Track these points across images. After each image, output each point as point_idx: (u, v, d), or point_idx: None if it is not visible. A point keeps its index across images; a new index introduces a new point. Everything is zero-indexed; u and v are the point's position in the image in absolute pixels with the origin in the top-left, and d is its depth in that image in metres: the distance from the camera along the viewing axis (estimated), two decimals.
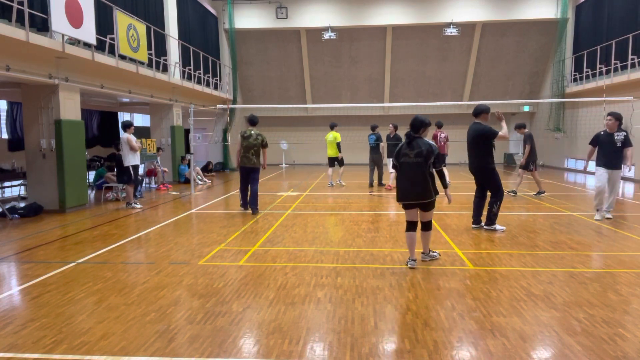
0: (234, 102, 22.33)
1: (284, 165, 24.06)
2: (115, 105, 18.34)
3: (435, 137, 13.12)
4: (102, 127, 20.89)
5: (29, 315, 4.26)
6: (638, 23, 15.45)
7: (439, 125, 13.46)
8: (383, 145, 13.57)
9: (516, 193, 11.76)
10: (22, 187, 12.16)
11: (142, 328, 3.93)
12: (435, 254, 5.97)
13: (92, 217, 9.54)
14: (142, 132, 16.44)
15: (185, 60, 16.56)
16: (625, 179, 15.14)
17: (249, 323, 4.03)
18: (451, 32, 20.32)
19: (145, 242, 7.20)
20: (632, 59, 15.25)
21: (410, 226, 5.68)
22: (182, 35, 16.83)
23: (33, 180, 10.29)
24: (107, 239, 7.33)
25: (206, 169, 18.07)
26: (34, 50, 8.71)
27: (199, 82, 17.41)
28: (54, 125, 9.94)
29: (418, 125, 5.63)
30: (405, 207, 5.68)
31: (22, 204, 10.05)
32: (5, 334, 3.85)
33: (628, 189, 13.59)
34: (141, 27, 12.23)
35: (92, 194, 13.25)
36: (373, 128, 13.92)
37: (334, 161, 14.12)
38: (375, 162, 13.83)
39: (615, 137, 8.06)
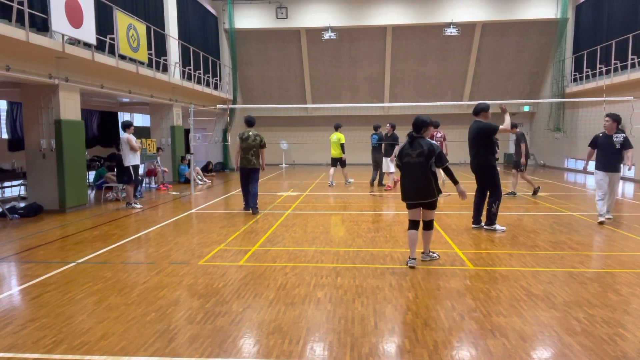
0: (234, 102, 22.34)
1: (284, 165, 24.06)
2: (115, 105, 18.34)
3: (431, 137, 13.11)
4: (102, 127, 20.89)
5: (29, 315, 4.26)
6: (638, 23, 15.45)
7: (436, 125, 13.45)
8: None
9: (515, 194, 11.76)
10: (22, 187, 12.16)
11: (142, 328, 3.93)
12: (435, 254, 5.98)
13: (92, 217, 9.54)
14: (142, 132, 16.42)
15: (185, 60, 16.56)
16: (625, 179, 15.15)
17: (249, 323, 4.03)
18: (451, 32, 20.33)
19: (145, 242, 7.20)
20: (632, 59, 15.25)
21: (413, 225, 5.73)
22: (182, 35, 16.84)
23: (33, 180, 10.29)
24: (107, 239, 7.33)
25: (206, 169, 18.07)
26: (34, 50, 8.71)
27: (199, 82, 17.41)
28: (54, 125, 9.94)
29: (420, 125, 5.67)
30: (409, 206, 5.76)
31: (22, 204, 10.05)
32: (5, 334, 3.85)
33: (628, 189, 13.59)
34: (141, 27, 12.23)
35: (92, 194, 13.25)
36: (375, 128, 13.96)
37: (337, 162, 14.17)
38: (378, 161, 13.86)
39: (614, 139, 7.92)
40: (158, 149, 14.35)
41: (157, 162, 14.54)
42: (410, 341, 3.66)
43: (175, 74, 15.34)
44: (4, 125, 15.48)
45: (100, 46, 10.77)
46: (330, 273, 5.42)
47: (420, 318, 4.10)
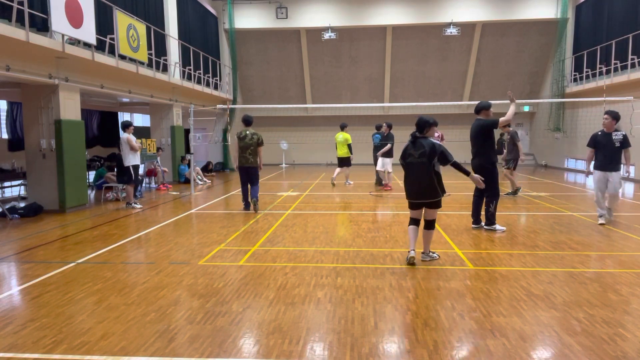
0: (234, 102, 22.33)
1: (284, 165, 24.05)
2: (115, 105, 18.34)
3: None
4: (102, 127, 20.88)
5: (29, 315, 4.26)
6: (638, 23, 15.44)
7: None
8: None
9: (515, 194, 11.75)
10: (22, 187, 12.16)
11: (142, 328, 3.93)
12: (435, 254, 5.98)
13: (92, 217, 9.54)
14: (142, 132, 16.43)
15: (185, 60, 16.56)
16: (624, 178, 15.12)
17: (249, 323, 4.03)
18: (451, 32, 20.32)
19: (145, 242, 7.20)
20: (632, 59, 15.25)
21: (413, 221, 5.83)
22: (182, 35, 16.83)
23: (33, 180, 10.29)
24: (107, 239, 7.33)
25: (206, 169, 18.07)
26: (34, 50, 8.71)
27: (199, 82, 17.41)
28: (54, 125, 9.94)
29: (422, 125, 5.70)
30: (411, 205, 5.81)
31: (22, 204, 10.05)
32: (5, 334, 3.85)
33: (628, 189, 13.59)
34: (141, 27, 12.23)
35: (92, 194, 13.25)
36: (377, 127, 13.98)
37: (343, 161, 14.19)
38: None
39: (614, 137, 7.72)
40: (158, 149, 14.35)
41: (157, 162, 14.54)
42: (410, 341, 3.66)
43: (175, 74, 15.34)
44: (4, 125, 15.48)
45: (100, 46, 10.77)
46: (330, 273, 5.42)
47: (420, 318, 4.10)
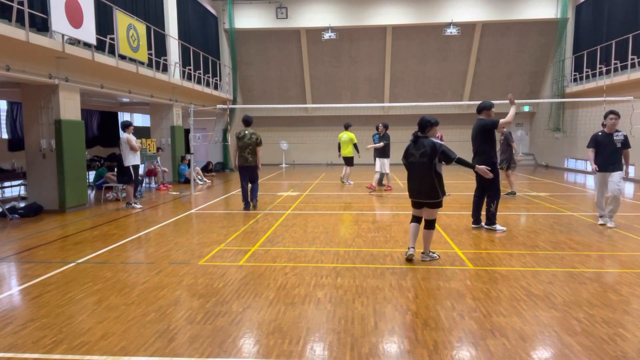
0: (234, 102, 22.33)
1: (284, 165, 24.05)
2: (115, 105, 18.33)
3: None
4: (102, 127, 20.89)
5: (29, 315, 4.26)
6: (638, 23, 15.44)
7: None
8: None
9: (515, 193, 11.76)
10: (22, 187, 12.16)
11: (142, 328, 3.93)
12: (435, 254, 5.98)
13: (92, 217, 9.54)
14: (142, 132, 16.44)
15: (185, 60, 16.56)
16: (624, 178, 15.12)
17: (249, 323, 4.03)
18: (451, 32, 20.32)
19: (145, 242, 7.20)
20: (632, 59, 15.25)
21: (415, 219, 5.89)
22: (182, 35, 16.83)
23: (33, 180, 10.29)
24: (107, 239, 7.33)
25: (206, 169, 18.07)
26: (34, 50, 8.71)
27: (199, 82, 17.41)
28: (54, 125, 9.94)
29: (424, 124, 5.73)
30: (413, 204, 5.88)
31: (22, 204, 10.05)
32: (5, 334, 3.85)
33: (628, 189, 13.58)
34: (141, 27, 12.23)
35: (92, 194, 13.25)
36: (377, 127, 13.97)
37: (348, 160, 14.32)
38: None
39: (615, 138, 7.62)
40: (158, 149, 14.35)
41: (157, 162, 14.54)
42: (410, 341, 3.66)
43: (175, 74, 15.34)
44: (4, 125, 15.48)
45: (100, 46, 10.77)
46: (330, 273, 5.42)
47: (420, 318, 4.10)
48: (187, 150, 15.96)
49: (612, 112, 7.67)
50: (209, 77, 18.63)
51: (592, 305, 4.36)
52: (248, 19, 21.37)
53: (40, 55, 9.19)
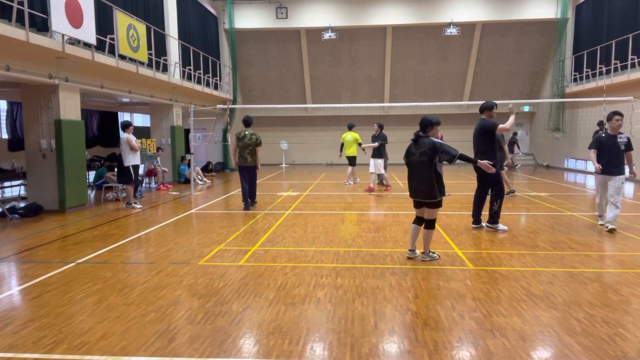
0: (234, 102, 22.33)
1: (284, 165, 24.05)
2: (115, 105, 18.33)
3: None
4: (102, 127, 20.88)
5: (29, 315, 4.26)
6: (638, 23, 15.44)
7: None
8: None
9: (514, 191, 11.76)
10: (22, 187, 12.16)
11: (142, 328, 3.93)
12: (435, 254, 5.98)
13: (92, 217, 9.54)
14: (142, 132, 16.44)
15: (185, 60, 16.56)
16: (631, 180, 15.09)
17: (249, 323, 4.03)
18: (451, 32, 20.32)
19: (145, 242, 7.20)
20: (632, 59, 15.25)
21: (417, 220, 5.92)
22: (182, 35, 16.83)
23: (33, 180, 10.29)
24: (107, 239, 7.33)
25: (206, 169, 18.07)
26: (34, 50, 8.71)
27: (199, 82, 17.41)
28: (54, 125, 9.94)
29: (425, 124, 5.76)
30: (414, 204, 5.92)
31: (22, 204, 10.05)
32: (5, 334, 3.85)
33: (628, 189, 13.58)
34: (141, 27, 12.23)
35: (92, 194, 13.25)
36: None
37: (351, 160, 14.37)
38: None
39: (619, 140, 7.43)
40: (158, 149, 14.35)
41: (157, 162, 14.54)
42: (410, 341, 3.66)
43: (175, 74, 15.34)
44: (4, 125, 15.47)
45: (100, 46, 10.77)
46: (330, 273, 5.42)
47: (420, 318, 4.10)
48: (187, 150, 15.96)
49: (616, 113, 7.47)
50: (209, 77, 18.63)
51: (592, 305, 4.36)
52: (248, 19, 21.37)
53: (40, 55, 9.19)
